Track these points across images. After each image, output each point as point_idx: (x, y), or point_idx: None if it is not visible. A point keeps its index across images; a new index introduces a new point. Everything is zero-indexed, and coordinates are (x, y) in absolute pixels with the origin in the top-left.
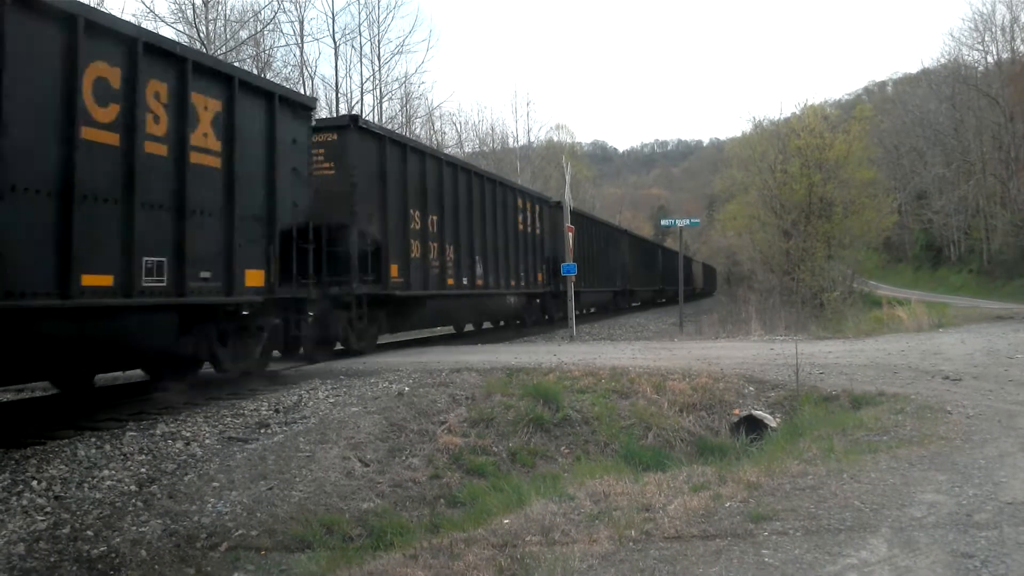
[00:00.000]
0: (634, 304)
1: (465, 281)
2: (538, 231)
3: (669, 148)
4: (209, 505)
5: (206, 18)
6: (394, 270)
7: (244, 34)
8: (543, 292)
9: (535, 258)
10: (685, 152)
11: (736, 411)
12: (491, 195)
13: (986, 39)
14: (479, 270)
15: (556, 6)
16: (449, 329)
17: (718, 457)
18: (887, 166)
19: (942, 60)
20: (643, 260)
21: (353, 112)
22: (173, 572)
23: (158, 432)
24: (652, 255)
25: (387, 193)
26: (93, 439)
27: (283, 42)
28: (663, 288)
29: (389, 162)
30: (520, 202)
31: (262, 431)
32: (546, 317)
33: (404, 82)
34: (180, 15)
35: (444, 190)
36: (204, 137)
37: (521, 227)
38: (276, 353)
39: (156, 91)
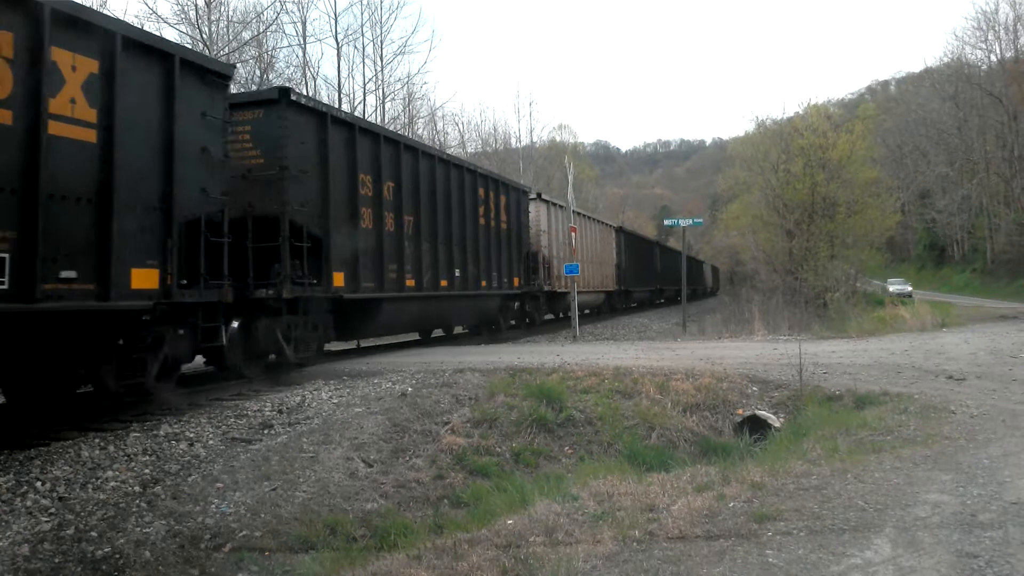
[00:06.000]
0: (547, 318)
1: None
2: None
3: (672, 148)
4: (213, 506)
5: (208, 19)
6: None
7: (247, 35)
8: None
9: None
10: (688, 152)
11: (740, 411)
12: None
13: (989, 38)
14: None
15: (559, 6)
16: None
17: (722, 457)
18: (890, 165)
19: (945, 59)
20: (590, 248)
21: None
22: (177, 573)
23: (162, 433)
24: (604, 241)
25: None
26: (97, 440)
27: (285, 43)
28: (625, 290)
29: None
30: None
31: (265, 432)
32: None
33: (407, 82)
34: (183, 16)
35: None
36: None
37: None
38: None
39: None
